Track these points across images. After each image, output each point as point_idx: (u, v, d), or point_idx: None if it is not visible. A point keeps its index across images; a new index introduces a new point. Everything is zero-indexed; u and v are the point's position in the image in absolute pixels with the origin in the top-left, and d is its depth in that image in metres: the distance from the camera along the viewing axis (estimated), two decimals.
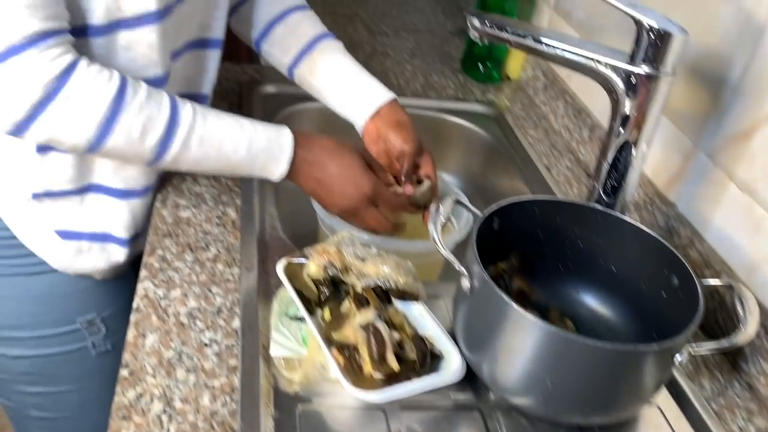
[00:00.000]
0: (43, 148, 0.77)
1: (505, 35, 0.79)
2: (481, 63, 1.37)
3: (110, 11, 0.70)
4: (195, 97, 0.75)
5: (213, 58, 0.90)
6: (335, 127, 0.97)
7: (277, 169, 0.78)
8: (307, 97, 0.99)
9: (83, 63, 0.67)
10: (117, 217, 0.85)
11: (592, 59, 0.75)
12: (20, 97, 0.64)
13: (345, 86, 0.92)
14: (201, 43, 0.87)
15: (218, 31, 0.89)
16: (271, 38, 0.95)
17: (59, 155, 0.77)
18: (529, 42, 0.77)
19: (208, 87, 0.92)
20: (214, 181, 0.93)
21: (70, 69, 0.66)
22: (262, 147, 0.76)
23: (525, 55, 1.38)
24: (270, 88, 1.21)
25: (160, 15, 0.72)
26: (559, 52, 0.76)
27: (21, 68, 0.63)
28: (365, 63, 1.38)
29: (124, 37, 0.72)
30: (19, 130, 0.67)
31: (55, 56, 0.65)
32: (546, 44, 0.76)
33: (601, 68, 0.75)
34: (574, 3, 1.26)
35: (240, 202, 0.90)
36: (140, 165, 0.74)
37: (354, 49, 1.43)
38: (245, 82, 1.21)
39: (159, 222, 0.84)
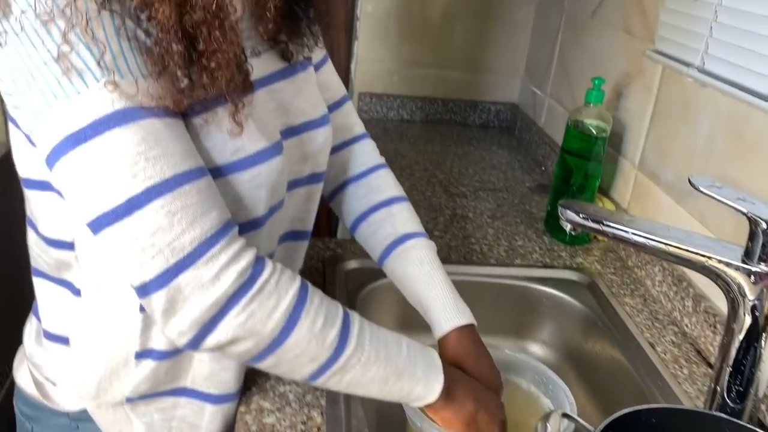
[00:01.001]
0: (141, 354, 0.75)
1: (602, 228, 0.75)
2: None
3: None
4: None
5: (302, 248, 0.91)
6: None
7: (437, 380, 0.74)
8: None
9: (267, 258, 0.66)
10: (207, 423, 0.82)
11: (703, 256, 0.69)
12: (216, 290, 0.62)
13: (417, 302, 0.89)
14: (293, 236, 0.88)
15: (310, 224, 0.90)
16: (358, 234, 0.95)
17: (155, 360, 0.76)
18: (631, 237, 0.72)
19: (296, 273, 0.91)
20: None
21: (260, 261, 0.65)
22: (418, 348, 0.74)
23: None
24: (353, 264, 1.20)
25: (264, 219, 0.74)
26: (663, 246, 0.71)
27: (218, 260, 0.61)
28: (445, 228, 1.37)
29: None
30: (207, 329, 0.63)
31: (242, 246, 0.64)
32: (649, 239, 0.72)
33: (714, 264, 0.69)
34: (661, 163, 1.22)
35: (324, 402, 0.85)
36: (306, 372, 0.69)
37: (433, 213, 1.42)
38: (327, 258, 1.21)
39: (243, 431, 0.80)
